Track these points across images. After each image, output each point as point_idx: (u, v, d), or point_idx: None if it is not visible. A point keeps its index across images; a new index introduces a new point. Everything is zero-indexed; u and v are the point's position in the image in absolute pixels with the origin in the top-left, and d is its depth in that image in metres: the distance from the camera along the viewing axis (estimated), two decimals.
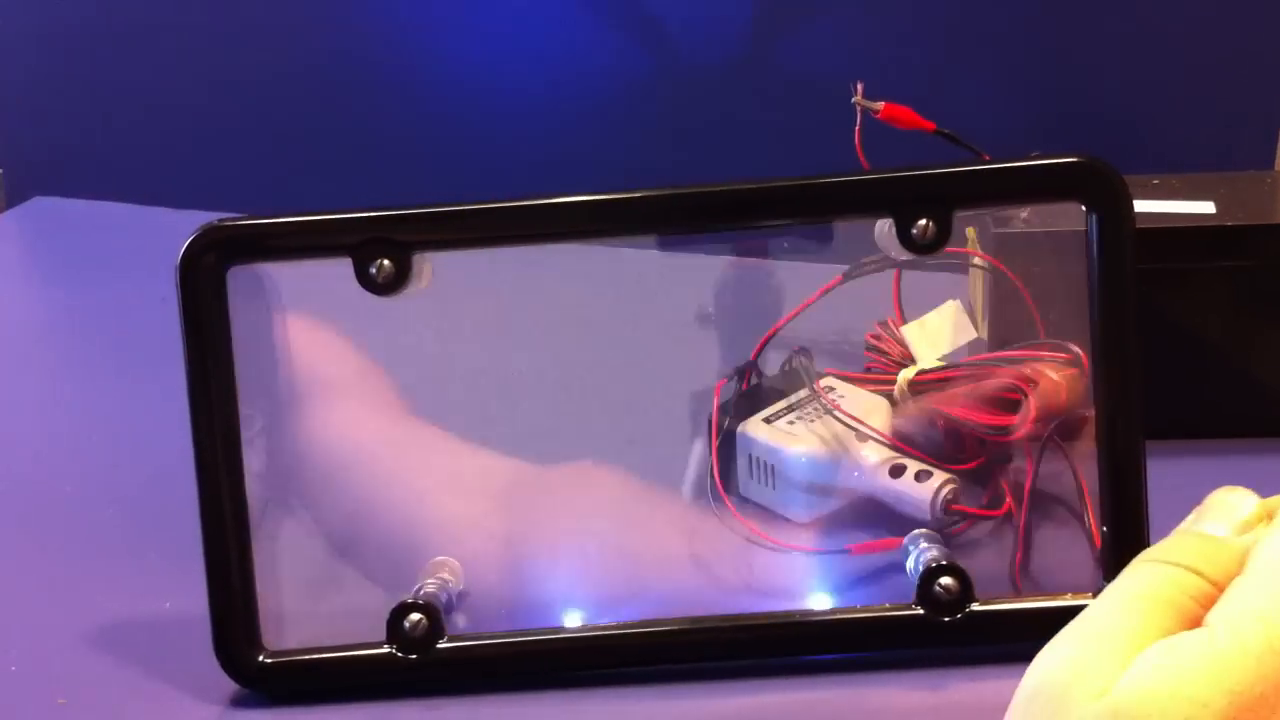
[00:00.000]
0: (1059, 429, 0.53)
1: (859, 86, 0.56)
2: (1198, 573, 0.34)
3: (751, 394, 0.59)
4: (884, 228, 0.47)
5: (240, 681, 0.48)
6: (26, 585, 0.55)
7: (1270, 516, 0.36)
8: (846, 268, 0.57)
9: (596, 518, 0.56)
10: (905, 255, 0.47)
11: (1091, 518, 0.51)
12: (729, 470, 0.58)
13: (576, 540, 0.55)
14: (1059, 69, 1.03)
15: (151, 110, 1.20)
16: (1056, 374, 0.53)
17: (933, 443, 0.56)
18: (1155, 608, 0.34)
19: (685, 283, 0.72)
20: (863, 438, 0.56)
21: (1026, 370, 0.54)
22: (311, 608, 0.51)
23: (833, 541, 0.54)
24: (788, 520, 0.56)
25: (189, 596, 0.49)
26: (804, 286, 0.60)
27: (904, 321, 0.61)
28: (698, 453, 0.59)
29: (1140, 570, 0.35)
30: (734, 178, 0.47)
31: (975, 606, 0.48)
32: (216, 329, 0.47)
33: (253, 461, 0.48)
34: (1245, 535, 0.35)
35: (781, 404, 0.59)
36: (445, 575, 0.51)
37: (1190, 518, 0.37)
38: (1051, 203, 0.57)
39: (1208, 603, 0.34)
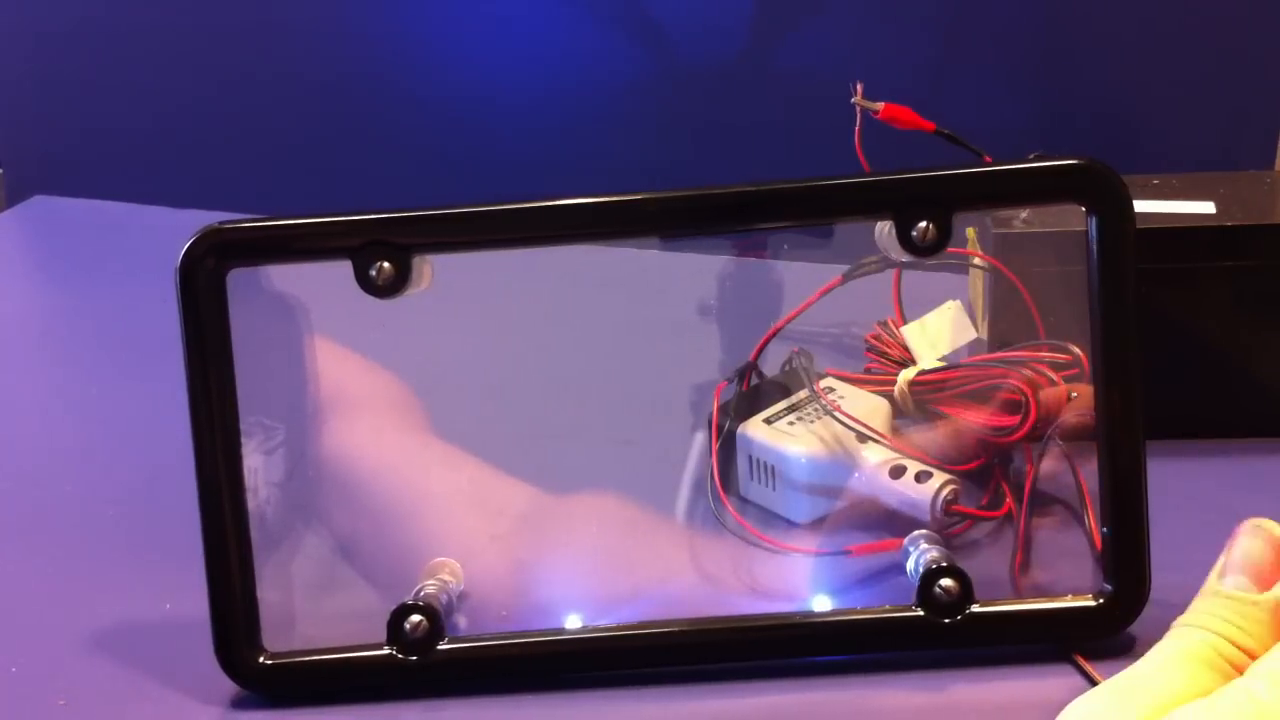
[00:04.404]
0: (1059, 429, 0.53)
1: (859, 86, 0.56)
2: (1230, 640, 0.35)
3: (752, 394, 0.59)
4: (884, 229, 0.47)
5: (240, 683, 0.48)
6: (26, 586, 0.55)
7: None
8: (846, 268, 0.57)
9: (597, 520, 0.56)
10: (905, 257, 0.47)
11: (1091, 519, 0.51)
12: (729, 471, 0.58)
13: (577, 542, 0.55)
14: (1059, 69, 1.03)
15: (151, 110, 1.19)
16: (1056, 375, 0.53)
17: (933, 443, 0.56)
18: (1194, 667, 0.35)
19: (687, 281, 0.72)
20: (863, 438, 0.56)
21: (1027, 371, 0.54)
22: (312, 609, 0.51)
23: (833, 543, 0.54)
24: (788, 521, 0.56)
25: (189, 597, 0.49)
26: (804, 286, 0.60)
27: (904, 322, 0.61)
28: (698, 453, 0.59)
29: (1176, 634, 0.36)
30: (734, 178, 0.47)
31: (975, 608, 0.48)
32: (217, 331, 0.47)
33: (253, 463, 0.48)
34: (1276, 588, 0.36)
35: (782, 404, 0.59)
36: (445, 576, 0.51)
37: (1215, 572, 0.37)
38: (1051, 204, 0.57)
39: (1243, 665, 0.35)
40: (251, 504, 0.48)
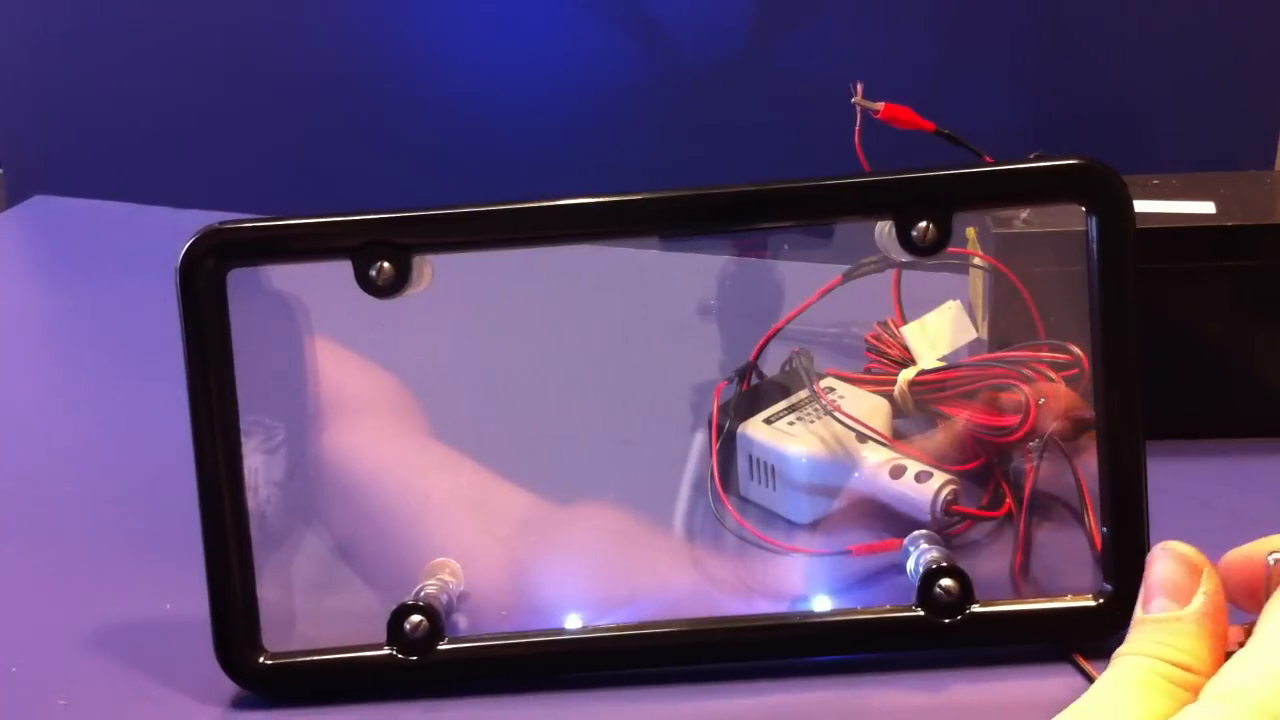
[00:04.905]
0: (1059, 429, 0.53)
1: (859, 86, 0.56)
2: (1168, 660, 0.37)
3: (752, 394, 0.59)
4: (884, 229, 0.47)
5: (241, 683, 0.48)
6: (27, 586, 0.55)
7: (1199, 568, 0.38)
8: (846, 268, 0.57)
9: (598, 520, 0.56)
10: (905, 257, 0.47)
11: (1091, 519, 0.51)
12: (729, 471, 0.58)
13: (577, 541, 0.55)
14: (1059, 69, 1.03)
15: (151, 110, 1.19)
16: (1056, 375, 0.53)
17: (933, 443, 0.56)
18: (1140, 692, 0.36)
19: (687, 281, 0.72)
20: (863, 438, 0.56)
21: (1027, 371, 0.54)
22: (312, 609, 0.51)
23: (833, 543, 0.54)
24: (788, 521, 0.56)
25: (190, 597, 0.49)
26: (804, 286, 0.60)
27: (904, 322, 0.61)
28: (698, 452, 0.59)
29: (1116, 665, 0.38)
30: (734, 178, 0.47)
31: (975, 608, 0.48)
32: (217, 331, 0.47)
33: (253, 462, 0.48)
34: (1194, 600, 0.38)
35: (782, 404, 0.59)
36: (445, 577, 0.51)
37: (1139, 603, 0.39)
38: (1051, 204, 0.57)
39: (1186, 682, 0.36)
40: (251, 504, 0.48)
